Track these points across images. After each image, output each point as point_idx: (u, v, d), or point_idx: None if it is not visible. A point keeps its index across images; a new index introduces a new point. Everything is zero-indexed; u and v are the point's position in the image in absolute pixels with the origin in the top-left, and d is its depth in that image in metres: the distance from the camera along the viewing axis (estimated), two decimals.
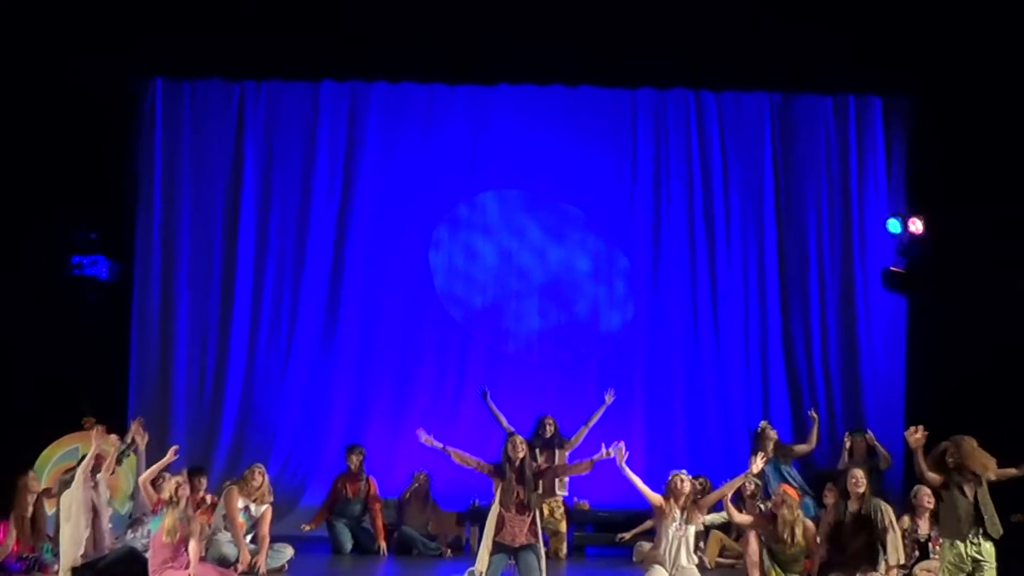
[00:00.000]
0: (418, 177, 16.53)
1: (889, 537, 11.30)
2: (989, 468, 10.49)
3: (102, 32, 15.10)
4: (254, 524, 12.66)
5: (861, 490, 11.58)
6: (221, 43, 15.57)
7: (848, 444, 14.24)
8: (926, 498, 12.07)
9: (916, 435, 10.51)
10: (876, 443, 14.24)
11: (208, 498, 12.51)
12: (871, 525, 11.36)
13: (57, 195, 15.14)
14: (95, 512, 11.84)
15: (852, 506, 11.56)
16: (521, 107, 16.55)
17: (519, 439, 11.28)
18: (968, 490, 10.37)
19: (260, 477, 12.72)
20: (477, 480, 14.39)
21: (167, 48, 15.56)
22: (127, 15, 15.13)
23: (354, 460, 14.32)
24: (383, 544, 14.14)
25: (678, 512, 11.31)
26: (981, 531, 10.25)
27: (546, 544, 14.12)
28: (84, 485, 11.70)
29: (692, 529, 11.36)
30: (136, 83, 16.14)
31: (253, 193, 16.39)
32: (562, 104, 16.52)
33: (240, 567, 12.18)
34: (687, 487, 11.41)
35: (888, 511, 11.51)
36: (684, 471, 11.62)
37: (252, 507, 12.66)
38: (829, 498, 12.48)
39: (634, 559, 13.57)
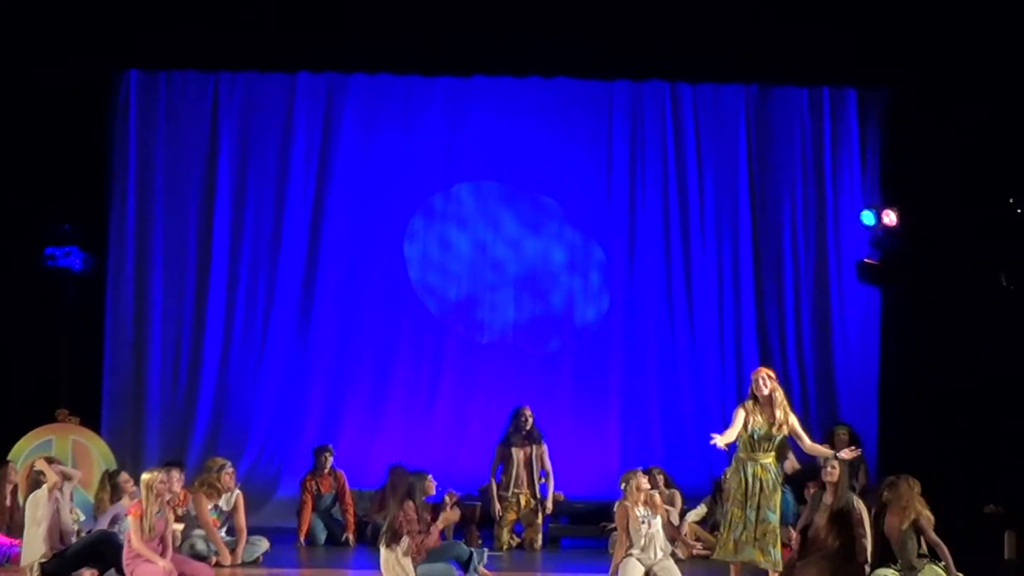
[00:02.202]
0: (393, 168, 16.50)
1: (857, 534, 11.31)
2: (909, 517, 10.81)
3: (76, 23, 15.03)
4: (228, 517, 12.65)
5: (835, 480, 11.59)
6: (196, 34, 15.49)
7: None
8: None
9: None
10: (862, 463, 14.41)
11: (182, 493, 12.47)
12: (844, 520, 11.38)
13: (30, 186, 15.08)
14: (58, 511, 11.79)
15: (827, 499, 11.58)
16: (497, 99, 16.52)
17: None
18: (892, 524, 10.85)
19: (228, 478, 12.69)
20: (451, 472, 14.48)
21: (141, 39, 15.48)
22: (101, 6, 15.06)
23: (327, 459, 14.32)
24: (351, 536, 14.19)
25: (641, 510, 11.31)
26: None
27: (520, 535, 14.22)
28: (49, 498, 11.67)
29: (659, 521, 11.34)
30: (110, 74, 16.05)
31: (228, 184, 16.33)
32: (538, 96, 16.49)
33: (220, 563, 12.19)
34: (645, 483, 11.40)
35: (861, 507, 11.53)
36: (638, 469, 11.63)
37: (222, 501, 12.64)
38: (809, 493, 12.46)
39: (610, 550, 13.57)
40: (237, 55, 15.97)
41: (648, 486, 11.45)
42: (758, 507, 10.85)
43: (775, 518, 10.91)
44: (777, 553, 10.90)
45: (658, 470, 13.09)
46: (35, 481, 11.92)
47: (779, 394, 10.95)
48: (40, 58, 15.02)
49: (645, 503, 11.32)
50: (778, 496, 10.97)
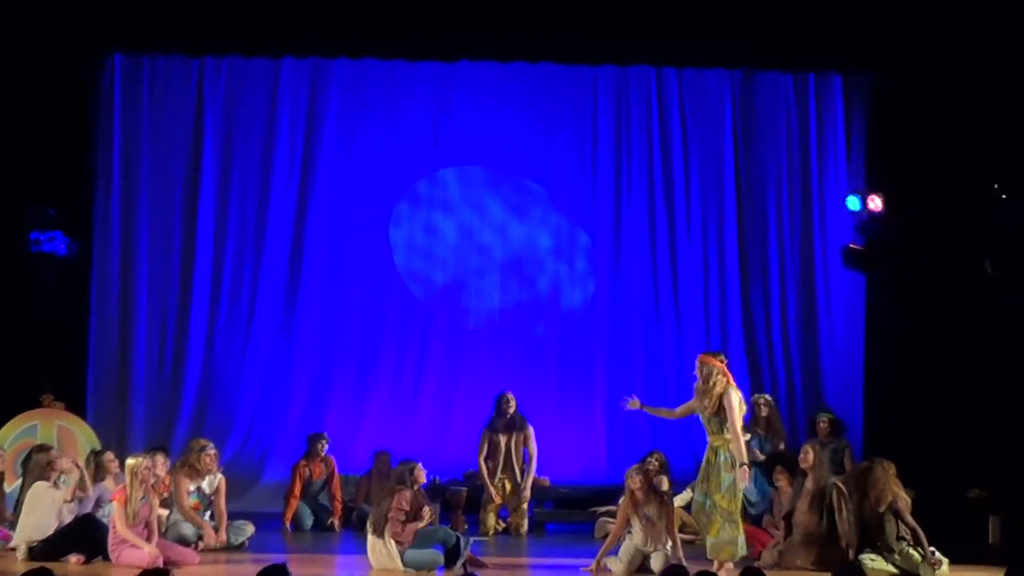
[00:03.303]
0: (379, 153, 16.48)
1: (838, 518, 11.35)
2: (886, 500, 10.95)
3: (60, 6, 14.96)
4: (211, 501, 12.63)
5: (809, 465, 11.62)
6: (181, 18, 15.43)
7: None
8: None
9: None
10: (847, 448, 14.43)
11: (166, 477, 12.45)
12: (825, 504, 11.42)
13: (15, 171, 15.02)
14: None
15: (808, 484, 11.62)
16: (483, 84, 16.49)
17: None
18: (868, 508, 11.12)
19: (208, 459, 12.66)
20: (437, 458, 14.52)
21: (126, 23, 15.42)
22: None
23: (323, 447, 14.34)
24: (337, 521, 14.23)
25: (641, 509, 11.34)
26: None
27: (505, 519, 14.26)
28: (65, 506, 11.70)
29: (663, 521, 11.32)
30: (95, 59, 15.99)
31: (213, 169, 16.28)
32: (524, 81, 16.47)
33: (204, 544, 12.16)
34: (637, 482, 11.40)
35: (842, 490, 11.57)
36: (633, 468, 11.65)
37: (204, 484, 12.61)
38: (781, 481, 12.43)
39: (596, 535, 13.61)
40: (222, 40, 15.91)
41: (640, 484, 11.42)
42: (706, 489, 10.84)
43: (720, 500, 10.73)
44: (712, 539, 10.74)
45: (657, 455, 13.12)
46: (40, 471, 11.89)
47: (721, 378, 10.85)
48: (24, 42, 14.94)
49: (647, 502, 11.33)
50: (723, 479, 10.73)
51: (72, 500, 11.79)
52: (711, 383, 10.85)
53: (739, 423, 10.75)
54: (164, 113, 16.24)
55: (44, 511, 11.61)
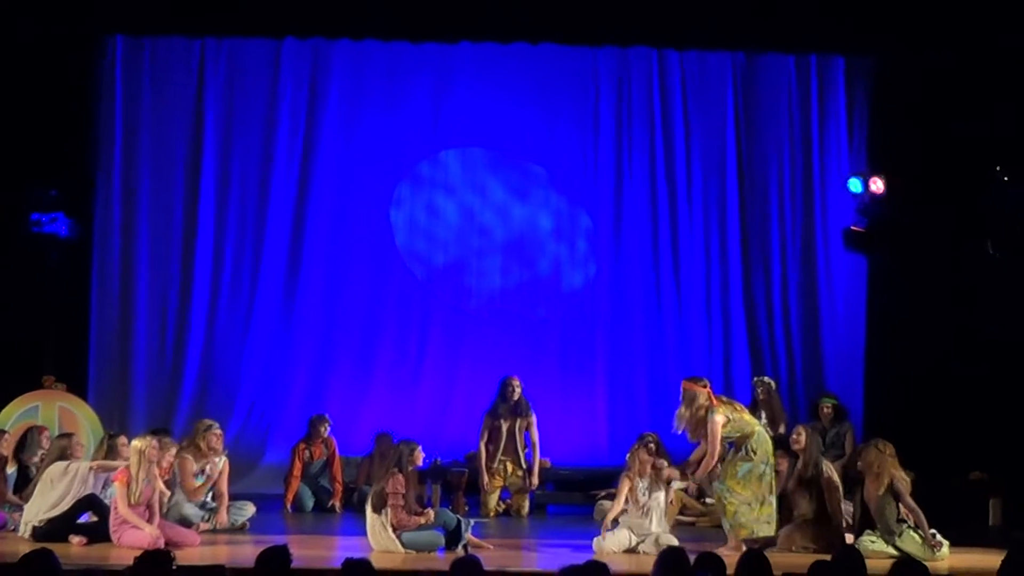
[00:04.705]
0: (380, 135, 16.46)
1: (829, 498, 11.39)
2: (884, 482, 11.01)
3: None
4: (214, 483, 12.64)
5: (801, 447, 11.65)
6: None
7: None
8: None
9: None
10: (850, 430, 14.42)
11: (170, 459, 12.44)
12: (815, 486, 11.46)
13: (16, 152, 15.00)
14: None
15: (798, 465, 11.66)
16: (484, 65, 16.47)
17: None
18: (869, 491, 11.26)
19: (214, 438, 12.67)
20: (438, 439, 14.53)
21: (127, 4, 15.42)
22: None
23: (325, 429, 14.35)
24: (338, 503, 14.26)
25: (644, 481, 11.39)
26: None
27: (507, 500, 14.27)
28: (89, 475, 11.67)
29: (661, 496, 11.39)
30: (96, 39, 15.96)
31: (214, 151, 16.27)
32: (525, 62, 16.43)
33: (212, 525, 12.21)
34: (643, 455, 11.52)
35: (831, 469, 11.60)
36: (635, 446, 11.87)
37: (208, 466, 12.63)
38: (782, 465, 12.45)
39: (595, 517, 13.61)
40: (222, 21, 15.87)
41: (645, 460, 11.51)
42: (722, 478, 11.43)
43: (735, 487, 11.27)
44: (727, 523, 11.26)
45: (652, 436, 13.12)
46: (60, 452, 11.90)
47: (703, 403, 11.35)
48: (25, 22, 14.91)
49: (646, 476, 11.40)
50: (739, 468, 11.28)
51: (96, 469, 11.75)
52: (694, 408, 11.35)
53: (719, 448, 11.23)
54: (165, 94, 16.22)
55: (62, 490, 11.58)
